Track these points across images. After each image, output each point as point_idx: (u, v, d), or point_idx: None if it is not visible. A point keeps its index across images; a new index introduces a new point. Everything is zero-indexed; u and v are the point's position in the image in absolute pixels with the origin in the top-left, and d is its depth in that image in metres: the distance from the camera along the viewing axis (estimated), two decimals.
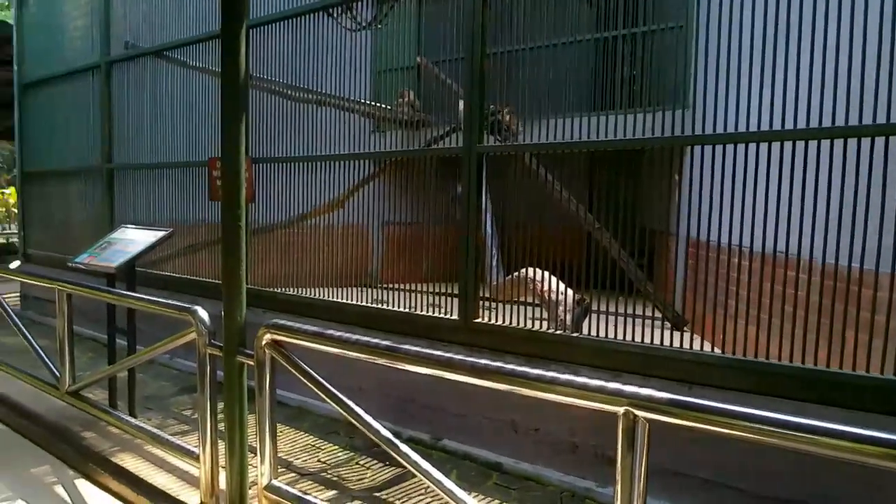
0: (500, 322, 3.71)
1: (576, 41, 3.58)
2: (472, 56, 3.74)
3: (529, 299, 4.17)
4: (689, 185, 3.11)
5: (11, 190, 14.59)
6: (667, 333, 3.14)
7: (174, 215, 5.69)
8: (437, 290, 4.17)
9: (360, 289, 4.62)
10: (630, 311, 3.51)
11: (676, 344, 3.10)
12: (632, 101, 3.42)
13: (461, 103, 4.26)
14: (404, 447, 2.40)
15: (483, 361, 2.18)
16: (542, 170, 4.30)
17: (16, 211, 11.64)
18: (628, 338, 3.24)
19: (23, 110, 7.79)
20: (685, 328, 3.56)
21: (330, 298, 4.54)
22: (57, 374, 4.12)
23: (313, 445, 3.90)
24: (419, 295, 4.16)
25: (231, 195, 2.76)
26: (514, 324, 3.65)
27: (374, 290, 4.63)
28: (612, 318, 3.42)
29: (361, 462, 3.66)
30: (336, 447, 3.87)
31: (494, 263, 4.60)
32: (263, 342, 2.65)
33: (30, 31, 7.69)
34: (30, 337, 4.47)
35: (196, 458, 3.08)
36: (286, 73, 4.91)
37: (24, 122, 7.80)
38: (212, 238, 5.34)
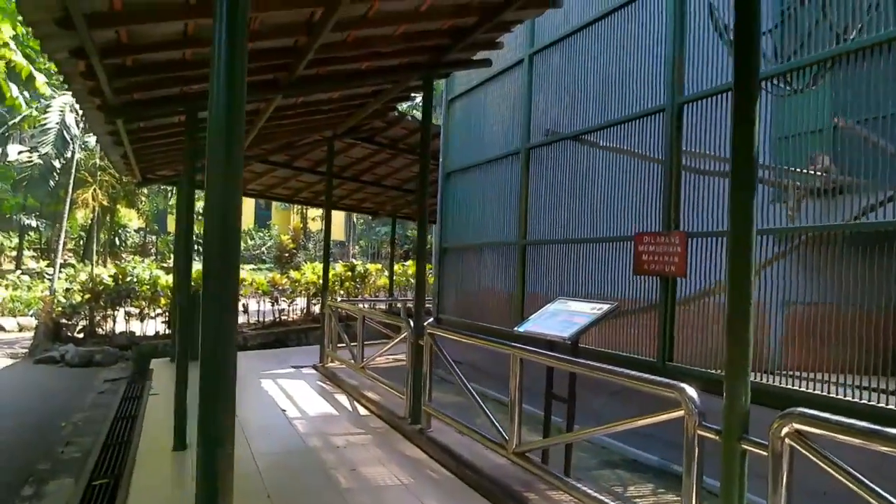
0: None
1: None
2: None
3: None
4: None
5: (410, 263, 17.44)
6: None
7: (586, 288, 5.91)
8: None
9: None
10: None
11: None
12: None
13: None
14: None
15: None
16: None
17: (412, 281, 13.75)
18: None
19: (444, 195, 9.21)
20: None
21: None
22: (505, 435, 4.46)
23: None
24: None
25: (739, 272, 2.63)
26: None
27: (774, 377, 4.19)
28: None
29: None
30: None
31: None
32: (783, 432, 2.42)
33: (453, 130, 9.16)
34: (481, 402, 4.94)
35: None
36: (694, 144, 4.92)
37: (443, 205, 9.21)
38: (624, 310, 5.40)
